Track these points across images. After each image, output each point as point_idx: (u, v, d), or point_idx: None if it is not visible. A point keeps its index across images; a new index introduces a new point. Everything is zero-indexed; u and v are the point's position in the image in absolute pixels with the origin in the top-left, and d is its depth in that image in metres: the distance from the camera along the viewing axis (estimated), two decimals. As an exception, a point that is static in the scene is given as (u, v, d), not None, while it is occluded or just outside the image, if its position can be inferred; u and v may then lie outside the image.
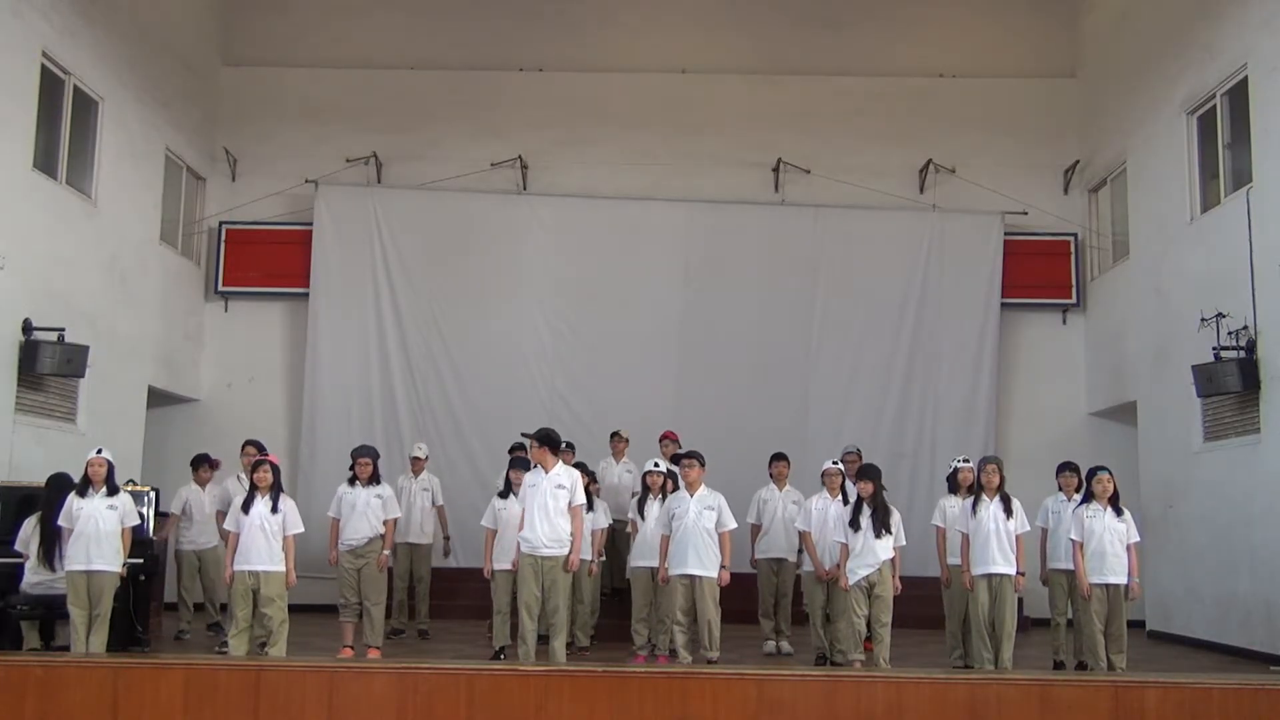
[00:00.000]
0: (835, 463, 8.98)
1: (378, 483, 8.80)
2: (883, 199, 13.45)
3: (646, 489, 8.82)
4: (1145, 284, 12.02)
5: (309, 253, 13.40)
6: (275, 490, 7.71)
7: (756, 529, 9.58)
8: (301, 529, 7.78)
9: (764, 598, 9.57)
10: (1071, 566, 8.30)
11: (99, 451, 7.97)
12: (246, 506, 7.63)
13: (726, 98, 13.95)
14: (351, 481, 8.76)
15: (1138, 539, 8.14)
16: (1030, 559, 8.54)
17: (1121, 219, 12.92)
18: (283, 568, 7.62)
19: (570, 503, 7.87)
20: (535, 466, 8.02)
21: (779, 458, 9.66)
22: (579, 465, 9.53)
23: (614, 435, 11.02)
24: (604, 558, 9.86)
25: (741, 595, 9.86)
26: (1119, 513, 8.07)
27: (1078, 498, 8.54)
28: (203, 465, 10.26)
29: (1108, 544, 7.98)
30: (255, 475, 7.73)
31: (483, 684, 6.11)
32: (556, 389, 13.32)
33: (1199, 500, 10.78)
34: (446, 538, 10.73)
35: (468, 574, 11.45)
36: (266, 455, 8.06)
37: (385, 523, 8.70)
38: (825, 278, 13.42)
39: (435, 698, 6.07)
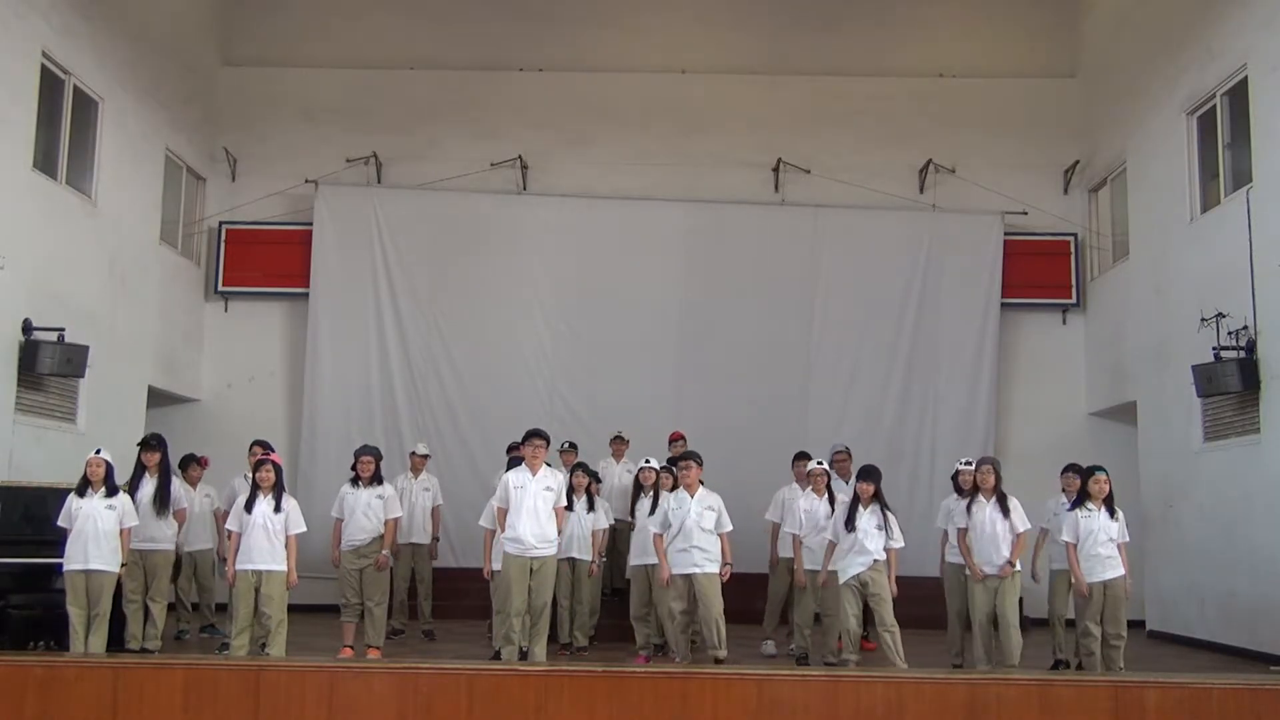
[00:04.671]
0: (820, 463, 8.96)
1: (379, 482, 8.80)
2: (883, 199, 13.44)
3: (639, 487, 8.81)
4: (1145, 284, 12.02)
5: (309, 253, 13.40)
6: (278, 490, 7.72)
7: (778, 528, 9.53)
8: (304, 528, 7.79)
9: (774, 599, 9.51)
10: (1067, 567, 8.32)
11: (98, 452, 7.99)
12: (249, 506, 7.64)
13: (726, 98, 13.95)
14: (354, 482, 8.76)
15: (1127, 539, 8.14)
16: (1027, 557, 8.52)
17: (1121, 219, 12.91)
18: (284, 567, 7.62)
19: (555, 504, 7.97)
20: (522, 467, 8.04)
21: (803, 456, 9.59)
22: (580, 465, 9.54)
23: (615, 438, 11.02)
24: (604, 558, 9.86)
25: (742, 595, 9.86)
26: (1113, 513, 8.08)
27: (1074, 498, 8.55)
28: (191, 464, 10.21)
29: (1102, 545, 7.99)
30: (258, 475, 7.74)
31: (483, 684, 6.12)
32: (556, 389, 13.32)
33: (1199, 500, 10.78)
34: (435, 539, 10.61)
35: (469, 574, 11.44)
36: (271, 455, 8.06)
37: (386, 523, 8.71)
38: (825, 277, 13.42)
39: (435, 698, 6.08)
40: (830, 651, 8.33)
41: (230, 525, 7.80)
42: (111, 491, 7.91)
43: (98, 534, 7.74)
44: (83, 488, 7.88)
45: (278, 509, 7.64)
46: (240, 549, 7.62)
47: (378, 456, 8.86)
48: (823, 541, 8.45)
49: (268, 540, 7.58)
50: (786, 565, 9.39)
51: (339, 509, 8.77)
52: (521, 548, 7.81)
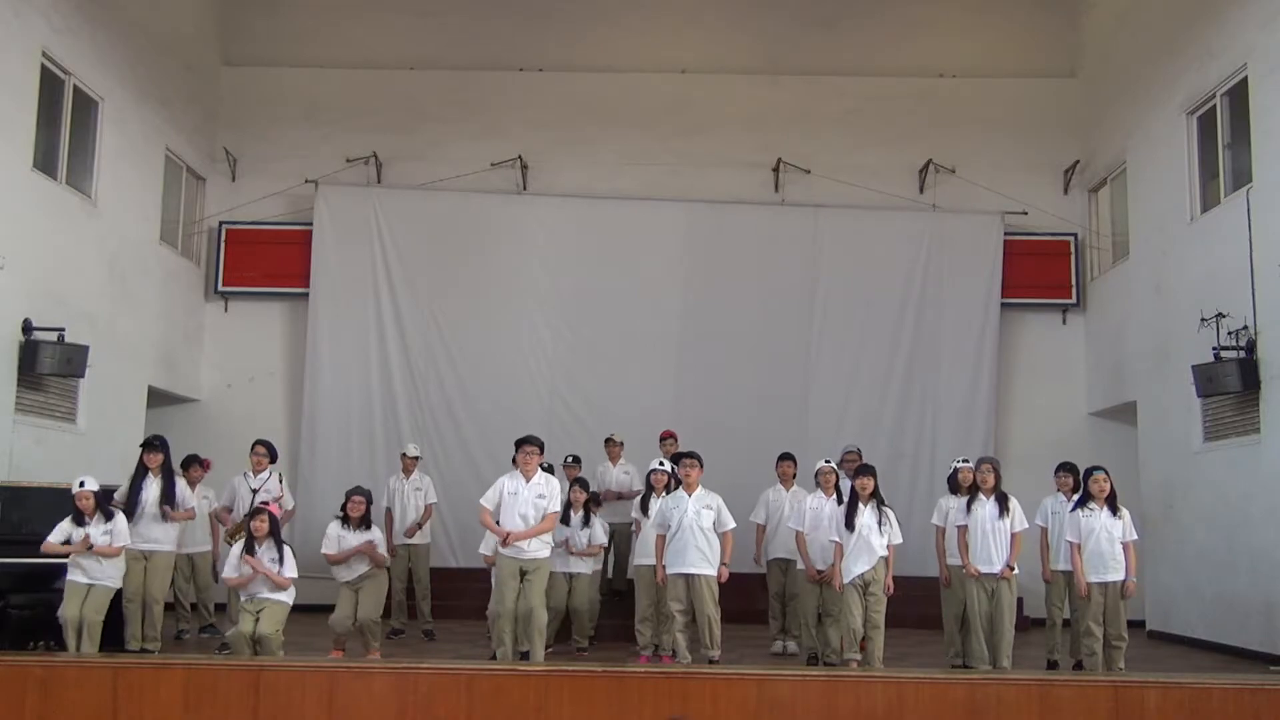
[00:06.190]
0: (828, 461, 8.97)
1: (368, 526, 8.56)
2: (883, 199, 13.44)
3: (651, 488, 8.83)
4: (1145, 284, 12.02)
5: (309, 253, 13.39)
6: (275, 539, 7.69)
7: (763, 529, 9.56)
8: (295, 575, 7.71)
9: (771, 599, 9.53)
10: (1070, 567, 8.30)
11: (81, 485, 7.87)
12: (249, 549, 7.65)
13: (726, 98, 13.95)
14: (344, 522, 8.52)
15: (1135, 537, 8.15)
16: (1029, 558, 8.53)
17: (1121, 219, 12.91)
18: (285, 599, 7.63)
19: (546, 510, 7.92)
20: (516, 473, 8.01)
21: (785, 457, 9.64)
22: (580, 481, 9.53)
23: (607, 441, 10.99)
24: (600, 568, 9.92)
25: (742, 595, 9.88)
26: (1115, 512, 8.08)
27: (1075, 498, 8.55)
28: (193, 465, 10.20)
29: (1105, 543, 8.00)
30: (253, 524, 7.68)
31: (483, 684, 6.12)
32: (556, 389, 13.31)
33: (1199, 500, 10.78)
34: (418, 525, 10.35)
35: (469, 574, 11.47)
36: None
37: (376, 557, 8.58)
38: (825, 278, 13.42)
39: (435, 698, 6.08)
40: (833, 651, 8.33)
41: (227, 574, 7.76)
42: (108, 516, 7.91)
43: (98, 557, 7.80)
44: (80, 518, 7.84)
45: (276, 559, 7.59)
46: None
47: (368, 499, 8.68)
48: (825, 539, 8.45)
49: (267, 583, 7.59)
50: (779, 566, 9.40)
51: (331, 547, 8.52)
52: (515, 550, 7.82)
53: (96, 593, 7.81)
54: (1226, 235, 10.33)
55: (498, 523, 7.93)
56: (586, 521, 9.32)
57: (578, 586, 9.23)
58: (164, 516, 8.66)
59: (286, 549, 7.74)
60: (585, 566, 9.28)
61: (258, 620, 7.44)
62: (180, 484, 8.97)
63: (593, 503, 9.57)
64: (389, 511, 10.32)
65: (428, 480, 10.68)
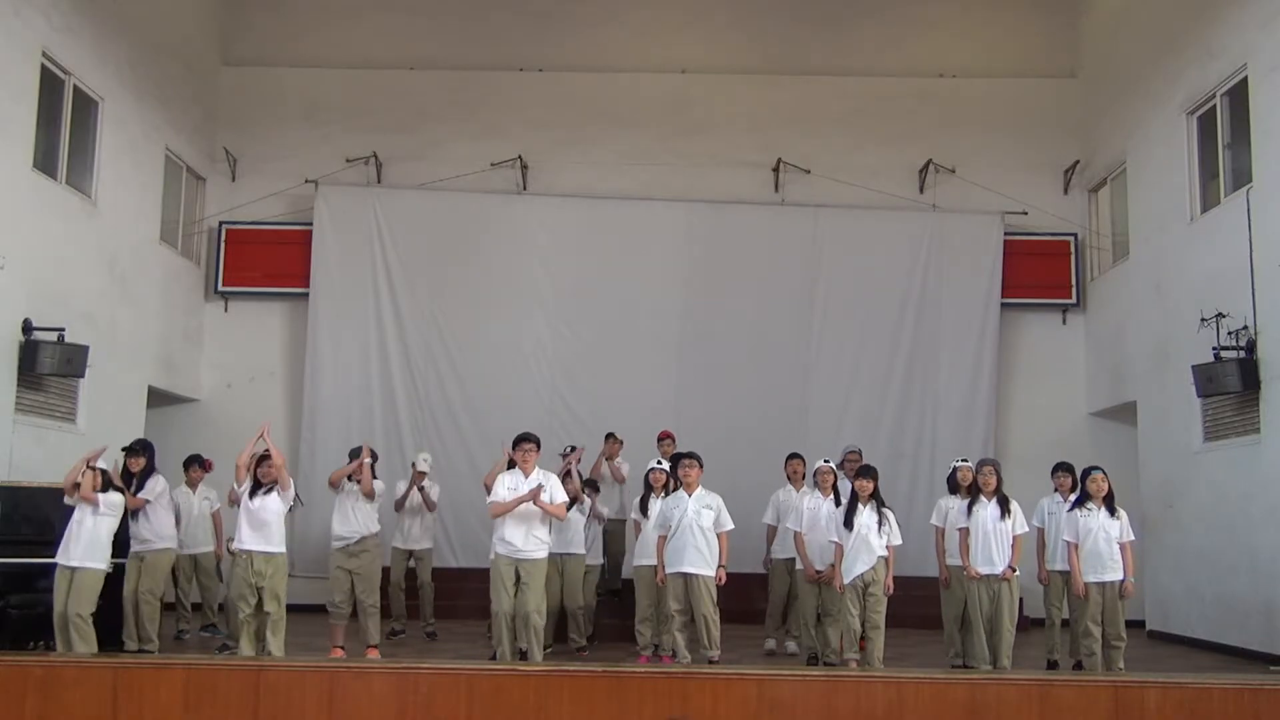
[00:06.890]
0: (827, 461, 8.98)
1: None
2: (883, 199, 13.44)
3: (649, 487, 8.83)
4: (1145, 284, 12.02)
5: (309, 253, 13.39)
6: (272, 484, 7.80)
7: (774, 530, 9.54)
8: (291, 490, 7.87)
9: (775, 599, 9.51)
10: (1068, 567, 8.31)
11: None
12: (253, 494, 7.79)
13: (726, 98, 13.95)
14: (349, 477, 8.65)
15: (1132, 538, 8.15)
16: (1027, 559, 8.53)
17: (1121, 219, 12.92)
18: (278, 549, 7.69)
19: (552, 499, 7.95)
20: (515, 470, 8.01)
21: (794, 457, 9.63)
22: (588, 483, 9.50)
23: (609, 436, 10.94)
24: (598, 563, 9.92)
25: (741, 595, 9.88)
26: (1113, 512, 8.08)
27: (1073, 498, 8.55)
28: (194, 466, 10.20)
29: (1103, 543, 8.00)
30: (259, 470, 7.77)
31: (483, 684, 6.12)
32: (556, 389, 13.31)
33: (1199, 500, 10.78)
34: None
35: (469, 574, 11.48)
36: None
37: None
38: (825, 278, 13.42)
39: (435, 698, 6.08)
40: (832, 651, 8.34)
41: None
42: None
43: (89, 533, 7.70)
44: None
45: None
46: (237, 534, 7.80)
47: (372, 457, 8.73)
48: (824, 539, 8.44)
49: (256, 535, 7.71)
50: (786, 566, 9.40)
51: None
52: (511, 549, 7.82)
53: (79, 580, 7.51)
54: (1226, 235, 10.33)
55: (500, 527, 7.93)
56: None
57: (569, 578, 9.11)
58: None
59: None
60: (579, 547, 9.21)
61: (260, 601, 7.51)
62: (156, 479, 8.76)
63: (589, 488, 9.53)
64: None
65: (435, 489, 10.65)
